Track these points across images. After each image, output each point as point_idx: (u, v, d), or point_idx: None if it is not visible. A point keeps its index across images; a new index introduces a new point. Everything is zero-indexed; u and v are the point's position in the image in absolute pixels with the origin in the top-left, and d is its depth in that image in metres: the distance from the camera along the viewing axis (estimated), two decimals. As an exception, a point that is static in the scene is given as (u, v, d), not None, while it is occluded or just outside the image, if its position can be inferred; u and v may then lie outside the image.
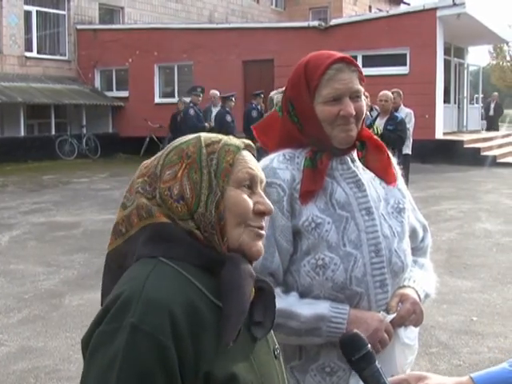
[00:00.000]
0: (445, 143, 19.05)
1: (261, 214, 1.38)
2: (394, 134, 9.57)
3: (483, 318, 5.97)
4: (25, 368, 5.00)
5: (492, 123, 28.67)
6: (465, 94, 24.77)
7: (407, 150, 11.20)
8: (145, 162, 1.44)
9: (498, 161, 18.71)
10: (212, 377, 1.24)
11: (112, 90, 23.99)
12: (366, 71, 2.04)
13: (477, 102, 27.72)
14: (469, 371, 4.52)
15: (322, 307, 1.90)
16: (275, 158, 2.01)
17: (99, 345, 1.22)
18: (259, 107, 14.80)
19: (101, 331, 1.23)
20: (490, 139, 22.17)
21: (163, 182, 1.35)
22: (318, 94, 1.94)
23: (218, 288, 1.30)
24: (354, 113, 1.93)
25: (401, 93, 11.55)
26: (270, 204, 1.41)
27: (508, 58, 53.15)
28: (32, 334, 5.69)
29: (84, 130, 21.88)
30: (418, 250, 2.20)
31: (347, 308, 1.91)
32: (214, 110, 15.54)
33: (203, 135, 1.42)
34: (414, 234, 2.16)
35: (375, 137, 2.12)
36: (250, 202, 1.36)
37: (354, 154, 2.06)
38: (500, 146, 21.33)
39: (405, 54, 19.18)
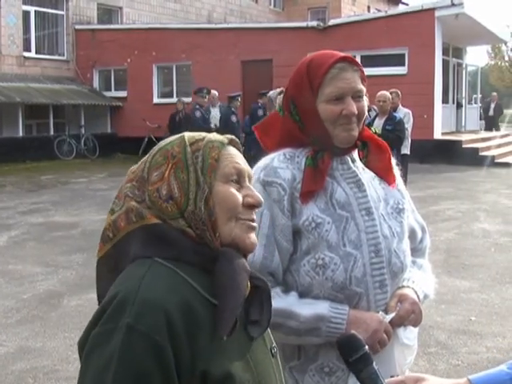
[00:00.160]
0: (443, 143, 19.06)
1: (250, 206, 1.39)
2: (393, 134, 9.57)
3: (481, 318, 5.98)
4: (23, 368, 5.00)
5: (492, 123, 28.72)
6: (463, 95, 24.78)
7: (406, 150, 11.20)
8: (132, 168, 1.44)
9: (497, 161, 18.72)
10: (209, 376, 1.24)
11: (110, 90, 23.97)
12: (365, 71, 2.04)
13: (475, 102, 27.75)
14: (467, 371, 4.53)
15: (322, 307, 1.90)
16: (275, 158, 2.01)
17: (95, 346, 1.23)
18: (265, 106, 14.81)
19: (97, 332, 1.23)
20: (489, 139, 22.18)
21: (151, 184, 1.36)
22: (321, 93, 1.94)
23: (214, 286, 1.30)
24: (356, 112, 1.93)
25: (399, 93, 11.56)
26: (260, 196, 1.41)
27: (506, 58, 53.20)
28: (30, 335, 5.69)
29: (82, 130, 21.85)
30: (416, 250, 2.20)
31: (347, 308, 1.91)
32: (213, 110, 15.53)
33: (187, 134, 1.43)
34: (412, 234, 2.16)
35: (377, 137, 2.12)
36: (239, 196, 1.37)
37: (355, 154, 2.06)
38: (498, 146, 21.34)
39: (403, 54, 19.18)
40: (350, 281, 1.91)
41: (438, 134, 19.43)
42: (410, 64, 19.04)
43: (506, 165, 18.51)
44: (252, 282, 1.39)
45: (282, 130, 2.05)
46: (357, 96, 1.95)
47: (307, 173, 1.96)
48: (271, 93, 12.12)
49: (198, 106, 14.76)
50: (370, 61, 18.48)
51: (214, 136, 1.43)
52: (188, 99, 19.74)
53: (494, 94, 31.88)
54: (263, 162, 2.03)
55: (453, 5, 18.34)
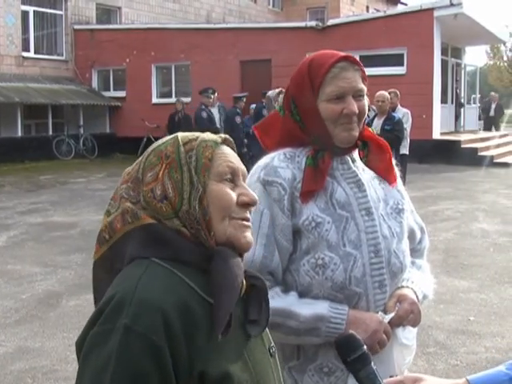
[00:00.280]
0: (442, 143, 19.07)
1: (245, 205, 1.39)
2: (391, 134, 9.58)
3: (480, 318, 5.98)
4: (22, 368, 5.00)
5: (492, 123, 28.80)
6: (462, 94, 24.80)
7: (404, 150, 11.20)
8: (127, 169, 1.45)
9: (495, 161, 18.73)
10: (206, 376, 1.24)
11: (109, 90, 23.96)
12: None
13: (474, 103, 27.78)
14: (466, 371, 4.54)
15: (322, 307, 1.90)
16: (276, 157, 2.01)
17: (93, 346, 1.23)
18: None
19: (94, 333, 1.23)
20: (487, 139, 22.20)
21: (145, 184, 1.36)
22: (322, 92, 1.94)
23: (210, 285, 1.31)
24: (357, 111, 1.94)
25: (398, 93, 11.56)
26: (254, 195, 1.41)
27: (505, 58, 53.25)
28: (29, 335, 5.68)
29: (81, 130, 21.85)
30: (415, 251, 2.20)
31: (346, 308, 1.91)
32: (212, 110, 15.53)
33: (180, 134, 1.43)
34: (412, 235, 2.16)
35: (377, 136, 2.12)
36: (233, 195, 1.37)
37: (355, 153, 2.06)
38: (497, 146, 21.36)
39: (402, 54, 19.19)
40: (350, 281, 1.91)
41: (436, 134, 19.44)
42: (408, 64, 19.05)
43: (504, 165, 18.52)
44: (249, 280, 1.40)
45: (283, 129, 2.05)
46: (358, 95, 1.95)
47: (307, 172, 1.96)
48: (270, 92, 12.13)
49: (203, 107, 14.72)
50: (369, 61, 18.45)
51: (208, 135, 1.43)
52: (187, 99, 19.74)
53: (496, 94, 31.97)
54: (263, 161, 2.03)
55: (451, 5, 18.35)
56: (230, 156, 1.41)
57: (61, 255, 8.50)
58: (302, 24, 21.06)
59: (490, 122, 28.83)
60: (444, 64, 21.22)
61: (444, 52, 21.19)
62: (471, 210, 11.66)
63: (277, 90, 11.43)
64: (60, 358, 5.17)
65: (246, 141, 13.46)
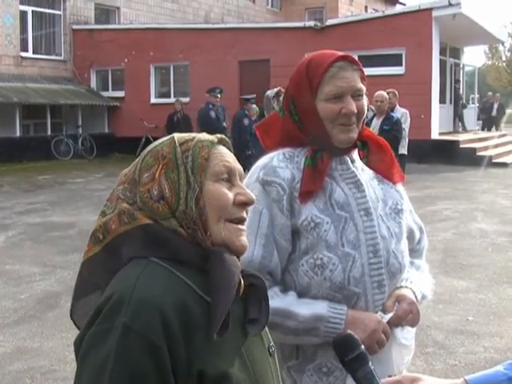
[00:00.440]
0: (441, 143, 19.09)
1: (242, 204, 1.39)
2: (390, 134, 9.58)
3: (479, 318, 5.98)
4: (20, 368, 5.00)
5: (494, 123, 28.92)
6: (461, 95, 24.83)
7: (403, 150, 11.22)
8: (124, 171, 1.45)
9: (494, 161, 18.74)
10: (205, 375, 1.24)
11: (108, 90, 23.95)
12: (363, 71, 2.04)
13: (473, 103, 27.81)
14: (464, 371, 4.54)
15: (320, 307, 1.90)
16: (275, 157, 2.01)
17: (91, 346, 1.23)
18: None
19: (93, 332, 1.23)
20: (486, 139, 22.22)
21: (142, 185, 1.36)
22: (320, 92, 1.94)
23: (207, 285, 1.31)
24: (355, 111, 1.93)
25: (396, 93, 11.56)
26: (251, 194, 1.41)
27: (503, 58, 53.32)
28: (28, 335, 5.68)
29: (80, 130, 21.84)
30: (414, 251, 2.20)
31: (345, 308, 1.91)
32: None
33: (176, 135, 1.43)
34: (410, 235, 2.16)
35: (377, 136, 2.12)
36: (230, 195, 1.37)
37: (354, 154, 2.06)
38: (496, 146, 21.39)
39: (400, 54, 19.20)
40: (349, 281, 1.91)
41: (435, 134, 19.46)
42: (407, 64, 19.06)
43: (503, 165, 18.54)
44: (248, 279, 1.40)
45: (282, 130, 2.05)
46: (356, 95, 1.95)
47: (306, 173, 1.95)
48: (269, 92, 12.15)
49: (211, 106, 14.69)
50: (368, 61, 18.42)
51: (204, 136, 1.43)
52: (186, 99, 19.74)
53: (497, 94, 32.16)
54: (262, 161, 2.03)
55: (450, 5, 18.36)
56: (226, 156, 1.41)
57: (59, 255, 8.49)
58: (301, 24, 21.07)
59: (491, 121, 28.95)
60: (442, 64, 21.23)
61: (442, 52, 21.21)
62: (470, 210, 11.67)
63: (275, 90, 11.45)
64: (59, 358, 5.16)
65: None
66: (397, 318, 1.96)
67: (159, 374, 1.20)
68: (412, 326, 2.02)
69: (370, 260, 1.94)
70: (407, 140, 11.50)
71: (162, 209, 1.33)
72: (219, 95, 14.85)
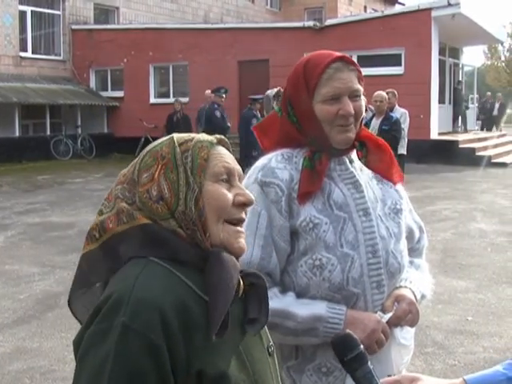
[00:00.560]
0: (440, 143, 19.10)
1: (241, 205, 1.39)
2: (389, 134, 9.58)
3: (478, 318, 5.98)
4: (20, 368, 4.99)
5: (494, 123, 28.98)
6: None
7: (402, 150, 11.21)
8: (123, 171, 1.44)
9: (493, 161, 18.76)
10: (204, 375, 1.24)
11: (107, 90, 23.96)
12: (361, 71, 2.04)
13: (472, 103, 27.83)
14: (464, 371, 4.54)
15: (319, 307, 1.90)
16: (273, 158, 2.00)
17: (90, 345, 1.22)
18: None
19: (92, 331, 1.23)
20: (485, 139, 22.24)
21: (141, 185, 1.36)
22: (317, 93, 1.93)
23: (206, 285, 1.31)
24: (353, 112, 1.92)
25: (395, 93, 11.56)
26: (251, 194, 1.41)
27: (503, 59, 53.34)
28: (27, 335, 5.68)
29: (79, 130, 21.85)
30: (414, 250, 2.20)
31: (344, 308, 1.91)
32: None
33: (176, 135, 1.43)
34: (410, 234, 2.16)
35: (376, 136, 2.11)
36: (229, 195, 1.37)
37: (353, 154, 2.05)
38: (495, 146, 21.40)
39: (400, 55, 19.21)
40: (347, 281, 1.91)
41: (434, 134, 19.47)
42: (406, 64, 19.07)
43: (502, 165, 18.55)
44: (248, 279, 1.40)
45: (281, 130, 2.05)
46: (354, 95, 1.94)
47: (304, 174, 1.95)
48: (268, 92, 12.14)
49: (216, 106, 14.72)
50: (367, 61, 18.48)
51: (203, 136, 1.43)
52: (185, 99, 19.74)
53: (499, 94, 32.31)
54: (261, 162, 2.02)
55: (449, 5, 18.37)
56: (225, 156, 1.41)
57: (58, 255, 8.49)
58: (300, 24, 21.08)
59: (491, 121, 29.01)
60: (442, 64, 21.25)
61: (442, 52, 21.22)
62: (469, 210, 11.67)
63: (275, 90, 11.44)
64: (58, 358, 5.16)
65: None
66: (396, 317, 1.96)
67: (158, 373, 1.20)
68: (411, 325, 2.02)
69: (368, 260, 1.94)
70: (406, 140, 11.50)
71: (161, 209, 1.33)
72: (224, 95, 14.91)
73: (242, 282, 1.37)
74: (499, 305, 6.37)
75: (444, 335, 5.57)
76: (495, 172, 17.21)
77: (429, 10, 18.80)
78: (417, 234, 2.22)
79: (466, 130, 23.79)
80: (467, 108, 24.73)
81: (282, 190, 1.94)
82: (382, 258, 1.96)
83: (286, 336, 1.91)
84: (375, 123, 10.11)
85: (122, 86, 23.47)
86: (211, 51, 21.15)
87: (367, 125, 9.30)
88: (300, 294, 1.93)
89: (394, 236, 2.01)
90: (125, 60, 22.98)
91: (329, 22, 20.70)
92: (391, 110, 10.91)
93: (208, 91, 16.01)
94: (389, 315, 1.95)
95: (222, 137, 1.46)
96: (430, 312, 5.96)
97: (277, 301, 1.87)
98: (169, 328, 1.21)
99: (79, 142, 21.33)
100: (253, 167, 2.02)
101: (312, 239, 1.91)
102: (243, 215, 1.40)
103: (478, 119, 28.72)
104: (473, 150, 19.17)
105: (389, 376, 1.65)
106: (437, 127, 19.81)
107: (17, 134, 20.07)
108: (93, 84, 24.06)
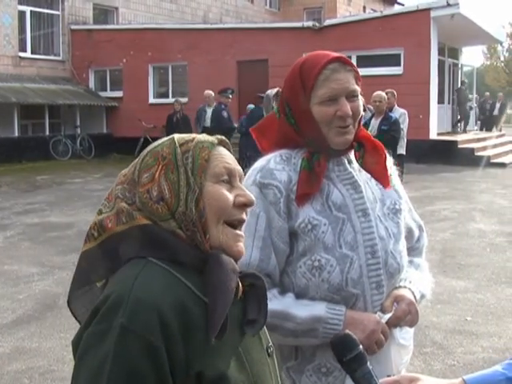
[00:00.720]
0: (439, 143, 19.10)
1: (242, 206, 1.38)
2: (388, 135, 9.59)
3: (477, 318, 5.99)
4: (19, 369, 4.99)
5: (494, 122, 28.99)
6: (455, 95, 24.84)
7: (401, 150, 11.22)
8: (123, 171, 1.44)
9: (492, 161, 18.76)
10: (203, 376, 1.24)
11: (106, 91, 23.95)
12: (360, 71, 2.03)
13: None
14: (463, 371, 4.54)
15: (319, 308, 1.90)
16: (272, 159, 2.00)
17: (89, 346, 1.22)
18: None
19: (90, 332, 1.23)
20: (484, 139, 22.24)
21: (141, 185, 1.35)
22: (314, 95, 1.92)
23: (205, 287, 1.30)
24: (350, 113, 1.92)
25: (395, 93, 11.58)
26: (251, 195, 1.41)
27: (502, 59, 53.38)
28: (26, 335, 5.68)
29: (78, 131, 21.83)
30: (413, 249, 2.20)
31: (343, 309, 1.91)
32: (209, 111, 15.55)
33: (176, 136, 1.42)
34: (409, 233, 2.16)
35: (373, 138, 2.11)
36: (230, 196, 1.36)
37: (351, 154, 2.05)
38: (494, 146, 21.40)
39: (399, 55, 19.21)
40: (347, 282, 1.91)
41: (433, 135, 19.47)
42: (405, 64, 19.07)
43: (501, 165, 18.56)
44: (247, 280, 1.40)
45: (279, 132, 2.04)
46: (351, 96, 1.93)
47: (302, 175, 1.94)
48: (269, 92, 12.11)
49: (223, 106, 14.82)
50: (366, 61, 18.50)
51: (204, 137, 1.42)
52: (184, 99, 19.73)
53: (500, 93, 32.32)
54: (259, 163, 2.02)
55: (448, 5, 18.38)
56: (226, 157, 1.41)
57: (58, 255, 8.49)
58: (299, 24, 21.08)
59: (492, 121, 29.02)
60: (441, 64, 21.25)
61: (441, 52, 21.23)
62: (468, 210, 11.68)
63: (275, 90, 11.43)
64: (57, 359, 5.16)
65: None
66: (395, 318, 1.96)
67: (157, 374, 1.19)
68: (411, 326, 2.02)
69: (368, 261, 1.94)
70: (405, 140, 11.51)
71: (162, 210, 1.33)
72: (231, 96, 15.10)
73: (240, 284, 1.37)
74: (498, 305, 6.37)
75: (443, 335, 5.57)
76: (494, 172, 17.22)
77: (428, 10, 18.80)
78: (416, 233, 2.22)
79: (464, 131, 23.80)
80: (471, 108, 24.75)
81: (281, 191, 1.93)
82: (381, 259, 1.96)
83: (285, 337, 1.91)
84: (374, 123, 10.11)
85: (121, 86, 23.47)
86: (210, 51, 21.15)
87: (366, 125, 9.30)
88: (299, 295, 1.93)
89: (393, 236, 2.01)
90: (124, 60, 22.98)
91: (328, 22, 20.70)
92: (390, 110, 10.92)
93: (207, 91, 16.01)
94: (388, 315, 1.95)
95: (223, 137, 1.46)
96: (429, 312, 5.96)
97: (276, 302, 1.87)
98: (168, 329, 1.21)
99: (78, 142, 21.32)
100: (251, 168, 2.02)
101: (311, 240, 1.91)
102: (244, 216, 1.40)
103: (478, 119, 28.73)
104: (472, 150, 19.18)
105: (388, 376, 1.65)
106: (436, 127, 19.82)
107: (16, 134, 20.06)
108: (92, 84, 24.05)
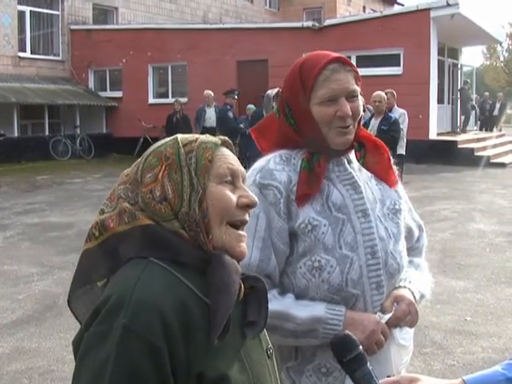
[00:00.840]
0: (439, 143, 19.10)
1: (245, 207, 1.38)
2: (388, 135, 9.58)
3: (477, 318, 5.99)
4: (18, 369, 4.99)
5: (495, 122, 29.02)
6: (459, 95, 24.85)
7: (401, 150, 11.22)
8: (125, 171, 1.44)
9: (492, 161, 18.76)
10: (204, 377, 1.24)
11: (106, 91, 23.93)
12: (360, 72, 2.03)
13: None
14: (463, 371, 4.54)
15: (318, 309, 1.90)
16: (271, 159, 2.00)
17: (90, 347, 1.22)
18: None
19: (91, 333, 1.23)
20: (484, 139, 22.24)
21: (144, 185, 1.35)
22: (314, 95, 1.92)
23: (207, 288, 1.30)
24: (350, 113, 1.92)
25: (394, 93, 11.58)
26: (254, 196, 1.41)
27: (501, 59, 53.40)
28: (26, 335, 5.68)
29: (78, 131, 21.82)
30: (413, 249, 2.20)
31: (343, 310, 1.91)
32: (208, 111, 15.56)
33: (180, 136, 1.42)
34: (409, 233, 2.16)
35: (374, 137, 2.11)
36: (233, 197, 1.36)
37: (351, 154, 2.05)
38: (494, 146, 21.41)
39: (398, 55, 19.20)
40: (347, 283, 1.91)
41: (433, 135, 19.47)
42: (405, 64, 19.06)
43: (501, 165, 18.55)
44: (248, 282, 1.40)
45: (279, 132, 2.04)
46: (351, 96, 1.93)
47: (302, 176, 1.94)
48: (269, 92, 12.10)
49: (229, 107, 14.89)
50: (366, 61, 18.49)
51: (207, 137, 1.43)
52: (184, 100, 19.73)
53: (500, 93, 32.38)
54: (259, 163, 2.02)
55: (448, 5, 18.37)
56: (229, 158, 1.41)
57: (57, 255, 8.49)
58: (299, 24, 21.07)
59: (492, 120, 29.04)
60: (440, 64, 21.25)
61: (440, 52, 21.22)
62: (468, 210, 11.68)
63: (275, 90, 11.42)
64: (57, 359, 5.16)
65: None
66: (395, 318, 1.96)
67: (159, 375, 1.19)
68: (410, 326, 2.02)
69: (368, 261, 1.94)
70: (405, 140, 11.50)
71: (165, 210, 1.32)
72: (236, 97, 15.29)
73: (242, 286, 1.37)
74: (498, 305, 6.37)
75: (443, 335, 5.57)
76: (494, 172, 17.22)
77: (428, 10, 18.79)
78: (416, 232, 2.22)
79: (464, 131, 23.81)
80: (474, 108, 24.75)
81: (281, 191, 1.93)
82: (381, 259, 1.96)
83: (285, 338, 1.91)
84: (374, 123, 10.11)
85: (120, 86, 23.45)
86: (210, 51, 21.14)
87: (366, 125, 9.30)
88: (299, 296, 1.93)
89: (392, 237, 2.01)
90: (123, 60, 22.96)
91: (328, 22, 20.69)
92: (390, 110, 10.92)
93: (207, 91, 16.03)
94: (388, 316, 1.95)
95: (226, 138, 1.46)
96: (429, 312, 5.96)
97: (276, 303, 1.86)
98: (169, 329, 1.21)
99: (78, 142, 21.30)
100: (251, 169, 2.01)
101: (311, 241, 1.91)
102: (246, 217, 1.40)
103: (478, 119, 28.75)
104: (472, 150, 19.18)
105: (388, 376, 1.65)
106: (436, 127, 19.81)
107: (16, 134, 20.04)
108: (91, 84, 24.04)
